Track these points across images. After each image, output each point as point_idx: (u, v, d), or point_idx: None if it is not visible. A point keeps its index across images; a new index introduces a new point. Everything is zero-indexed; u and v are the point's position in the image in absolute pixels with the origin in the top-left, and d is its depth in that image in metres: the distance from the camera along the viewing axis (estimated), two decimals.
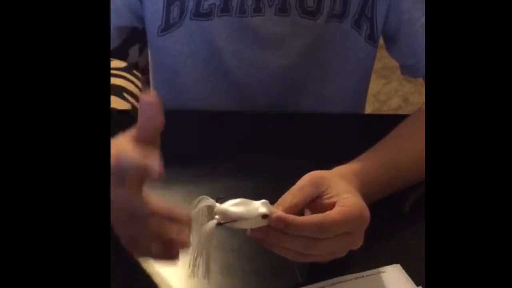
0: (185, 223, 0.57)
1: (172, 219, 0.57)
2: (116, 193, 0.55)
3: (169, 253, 0.57)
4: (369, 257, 0.67)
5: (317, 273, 0.64)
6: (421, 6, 0.88)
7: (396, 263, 0.66)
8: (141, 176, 0.56)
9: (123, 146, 0.56)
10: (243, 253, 0.67)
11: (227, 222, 0.58)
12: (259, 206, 0.59)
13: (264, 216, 0.58)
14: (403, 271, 0.66)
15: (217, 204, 0.58)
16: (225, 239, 0.68)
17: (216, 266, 0.65)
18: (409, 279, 0.65)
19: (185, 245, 0.57)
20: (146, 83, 1.33)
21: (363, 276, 0.65)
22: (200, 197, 0.59)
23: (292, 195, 0.62)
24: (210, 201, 0.58)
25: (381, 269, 0.66)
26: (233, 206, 0.58)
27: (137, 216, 0.56)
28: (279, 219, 0.58)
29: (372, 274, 0.65)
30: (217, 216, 0.58)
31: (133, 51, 1.34)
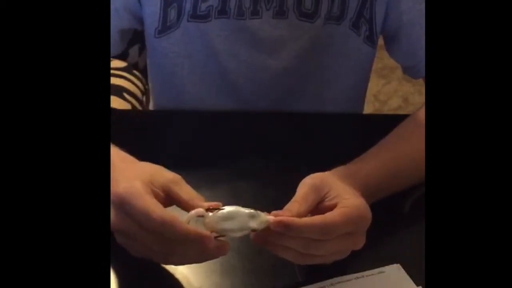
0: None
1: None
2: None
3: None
4: (369, 257, 0.67)
5: (317, 273, 0.64)
6: (420, 7, 0.88)
7: (396, 263, 0.66)
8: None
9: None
10: (243, 253, 0.67)
11: (216, 236, 0.58)
12: (249, 220, 0.58)
13: (253, 230, 0.58)
14: (403, 271, 0.66)
15: (206, 214, 0.59)
16: (225, 239, 0.68)
17: (216, 266, 0.65)
18: (409, 279, 0.65)
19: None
20: (146, 83, 1.33)
21: (363, 276, 0.65)
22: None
23: (298, 203, 0.61)
24: (199, 211, 0.59)
25: (381, 269, 0.66)
26: (222, 220, 0.58)
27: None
28: (280, 223, 0.58)
29: (372, 274, 0.65)
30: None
31: (133, 51, 1.34)
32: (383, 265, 0.66)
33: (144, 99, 1.33)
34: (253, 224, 0.58)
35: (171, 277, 0.64)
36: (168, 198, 0.61)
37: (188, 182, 0.62)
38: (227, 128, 0.89)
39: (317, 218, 0.59)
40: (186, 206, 0.60)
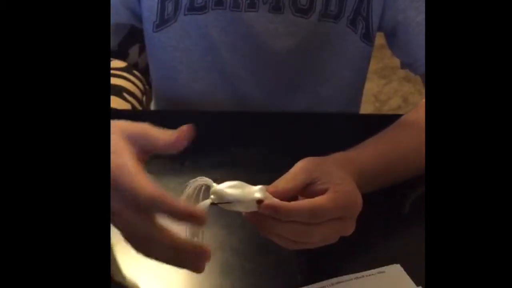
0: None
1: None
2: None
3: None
4: (369, 257, 0.67)
5: (317, 273, 0.64)
6: (417, 5, 0.88)
7: (396, 263, 0.66)
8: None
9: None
10: (242, 253, 0.67)
11: (222, 202, 0.58)
12: (255, 191, 0.58)
13: (259, 201, 0.58)
14: (403, 271, 0.66)
15: (214, 184, 0.58)
16: (224, 239, 0.68)
17: (216, 265, 0.65)
18: (409, 279, 0.65)
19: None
20: (146, 83, 1.33)
21: (363, 276, 0.65)
22: (198, 177, 0.58)
23: (285, 181, 0.61)
24: (207, 180, 0.58)
25: (381, 269, 0.66)
26: (229, 188, 0.58)
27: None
28: (269, 206, 0.58)
29: (372, 274, 0.65)
30: (212, 196, 0.58)
31: (133, 51, 1.34)
32: (383, 265, 0.66)
33: (144, 99, 1.33)
34: (259, 195, 0.58)
35: (170, 277, 0.64)
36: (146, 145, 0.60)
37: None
38: (226, 128, 0.89)
39: (306, 202, 0.59)
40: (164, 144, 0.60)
